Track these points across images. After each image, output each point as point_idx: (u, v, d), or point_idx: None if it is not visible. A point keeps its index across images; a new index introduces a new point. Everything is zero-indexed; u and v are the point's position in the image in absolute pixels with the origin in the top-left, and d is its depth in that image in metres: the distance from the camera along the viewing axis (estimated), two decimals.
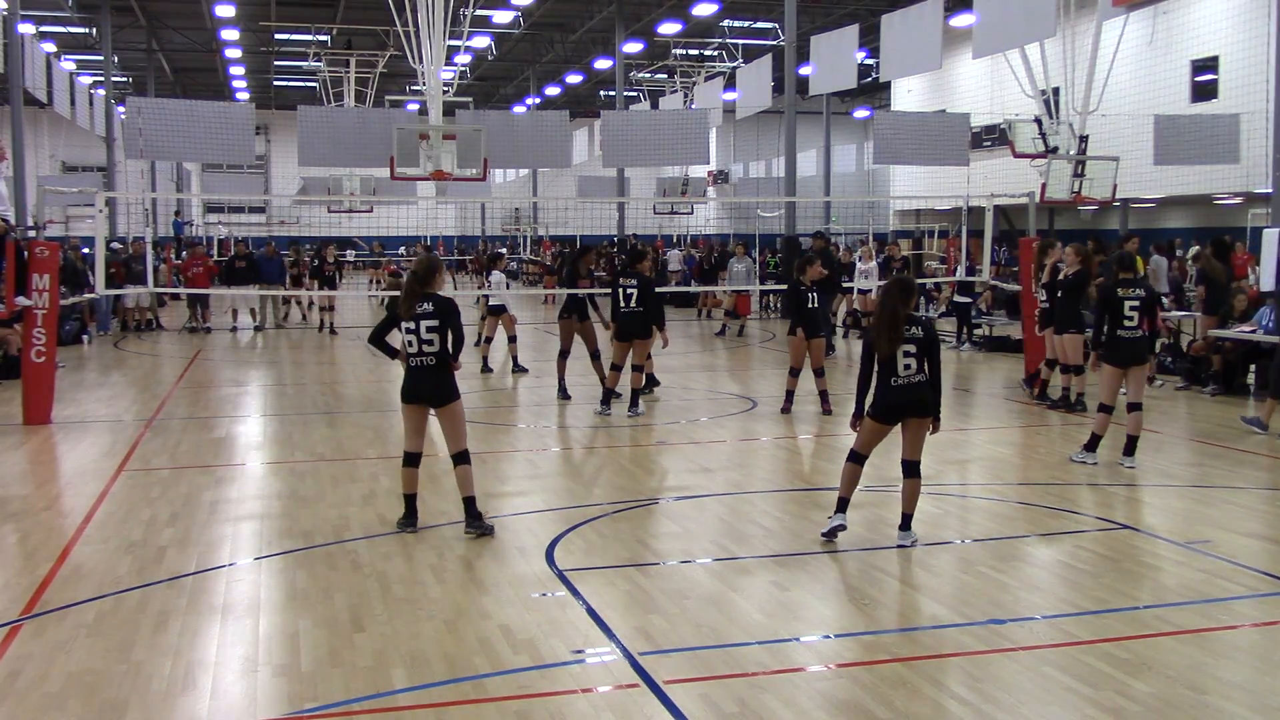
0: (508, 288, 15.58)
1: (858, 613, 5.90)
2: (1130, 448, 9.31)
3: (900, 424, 7.06)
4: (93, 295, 16.15)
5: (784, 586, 6.34)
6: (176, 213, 41.57)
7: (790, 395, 12.23)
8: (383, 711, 4.74)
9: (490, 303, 16.10)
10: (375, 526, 7.56)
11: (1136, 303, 9.18)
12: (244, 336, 21.65)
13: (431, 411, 7.35)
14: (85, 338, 19.79)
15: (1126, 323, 9.17)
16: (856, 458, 7.19)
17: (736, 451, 10.30)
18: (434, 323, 7.14)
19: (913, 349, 6.91)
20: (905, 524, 7.16)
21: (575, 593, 6.16)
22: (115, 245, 23.73)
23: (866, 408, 7.10)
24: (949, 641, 5.45)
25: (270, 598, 6.17)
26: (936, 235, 33.03)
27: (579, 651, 5.32)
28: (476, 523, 7.28)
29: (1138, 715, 4.63)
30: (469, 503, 7.31)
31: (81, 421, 11.80)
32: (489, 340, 16.20)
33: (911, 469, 7.13)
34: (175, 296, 24.91)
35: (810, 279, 11.98)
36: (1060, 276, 12.15)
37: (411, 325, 7.16)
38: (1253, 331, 13.18)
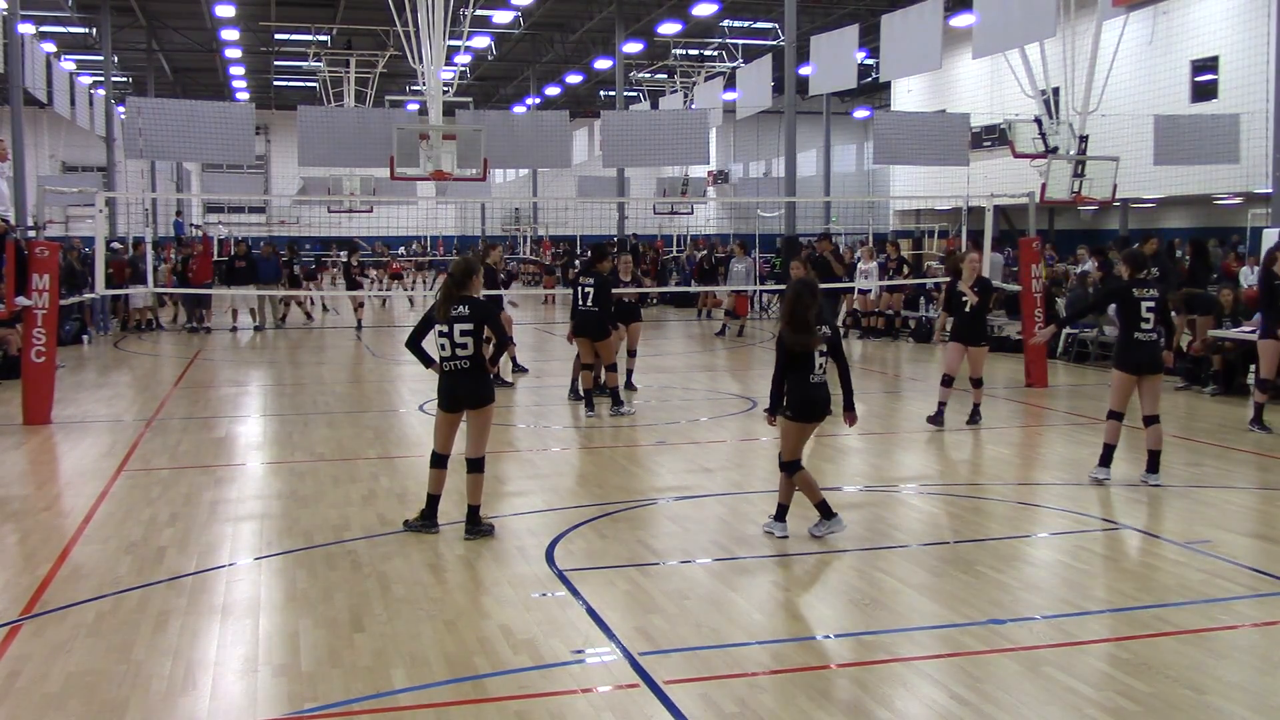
0: (507, 288, 15.61)
1: (858, 613, 5.90)
2: (1153, 464, 8.71)
3: (815, 425, 7.17)
4: (93, 295, 16.15)
5: (784, 586, 6.34)
6: (178, 213, 41.58)
7: None
8: (383, 711, 4.74)
9: None
10: (375, 526, 7.56)
11: (1153, 303, 8.63)
12: (244, 336, 21.65)
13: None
14: (85, 338, 19.79)
15: (1144, 324, 8.60)
16: (795, 466, 7.16)
17: (736, 451, 10.30)
18: (468, 326, 7.13)
19: (824, 347, 7.07)
20: (787, 512, 7.28)
21: (575, 593, 6.16)
22: (115, 245, 23.74)
23: (785, 408, 7.12)
24: (949, 641, 5.45)
25: (270, 598, 6.17)
26: (936, 235, 33.03)
27: (579, 651, 5.32)
28: (476, 528, 7.27)
29: (1138, 715, 4.63)
30: (473, 510, 7.29)
31: (81, 421, 11.80)
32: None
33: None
34: (173, 297, 24.97)
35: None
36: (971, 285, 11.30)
37: (445, 329, 7.14)
38: (1253, 331, 13.18)
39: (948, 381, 11.45)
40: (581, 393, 12.28)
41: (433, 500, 7.37)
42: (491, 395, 7.28)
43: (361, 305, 23.20)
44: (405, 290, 31.14)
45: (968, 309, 11.26)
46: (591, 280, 11.92)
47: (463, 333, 7.13)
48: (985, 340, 11.65)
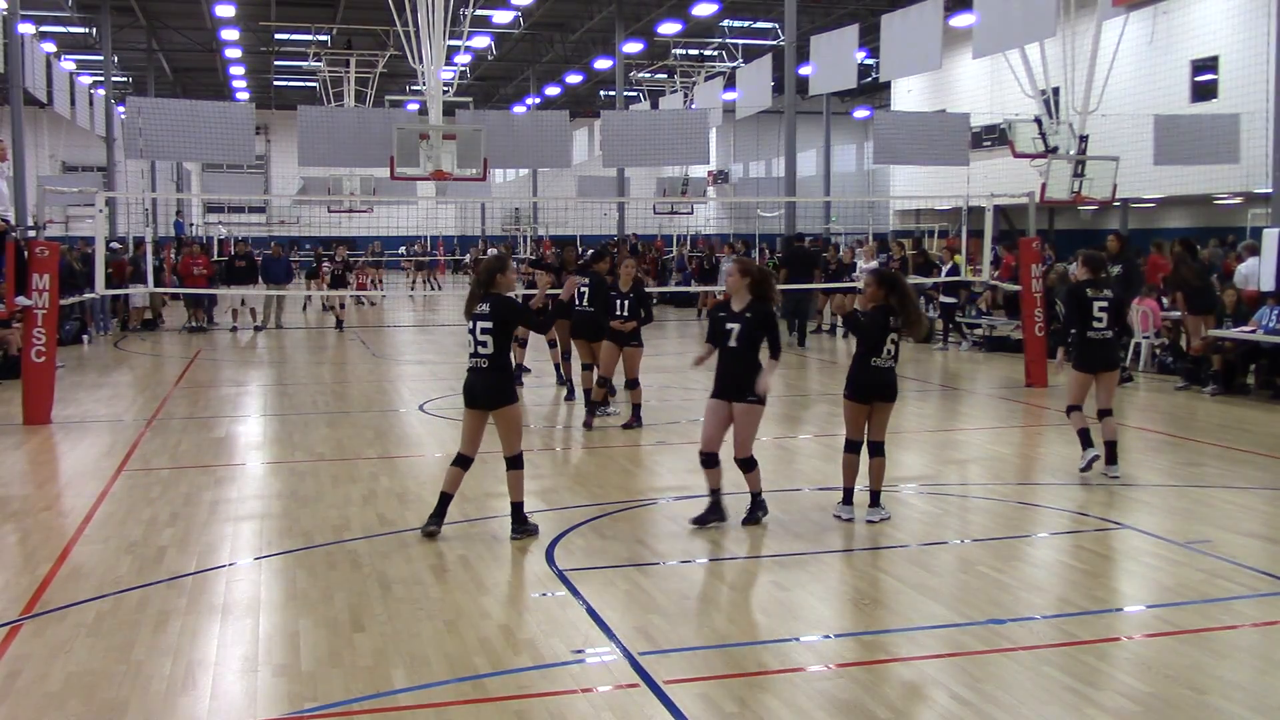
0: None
1: (858, 613, 5.90)
2: (1112, 455, 8.93)
3: (870, 405, 7.57)
4: (93, 295, 16.15)
5: (784, 586, 6.34)
6: (178, 213, 41.57)
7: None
8: (383, 711, 4.74)
9: None
10: (375, 526, 7.56)
11: (1105, 303, 8.93)
12: (244, 336, 21.65)
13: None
14: (85, 338, 19.79)
15: (1096, 324, 8.89)
16: (854, 447, 7.67)
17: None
18: (489, 324, 7.05)
19: (895, 335, 7.51)
20: (874, 500, 7.69)
21: (575, 593, 6.16)
22: (115, 245, 23.74)
23: (844, 389, 7.64)
24: (949, 641, 5.45)
25: (270, 598, 6.17)
26: (936, 235, 33.02)
27: (579, 651, 5.32)
28: (521, 527, 7.21)
29: (1138, 715, 4.63)
30: (516, 508, 7.24)
31: (81, 421, 11.80)
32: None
33: (878, 449, 7.66)
34: (175, 296, 25.02)
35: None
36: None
37: (470, 325, 7.13)
38: (1253, 331, 13.19)
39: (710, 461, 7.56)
40: (581, 394, 12.20)
41: (443, 498, 7.26)
42: (512, 397, 7.16)
43: (341, 305, 23.19)
44: (379, 292, 31.08)
45: (731, 341, 7.44)
46: (587, 281, 11.69)
47: (484, 330, 7.06)
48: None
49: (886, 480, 8.35)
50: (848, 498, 7.72)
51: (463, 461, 7.25)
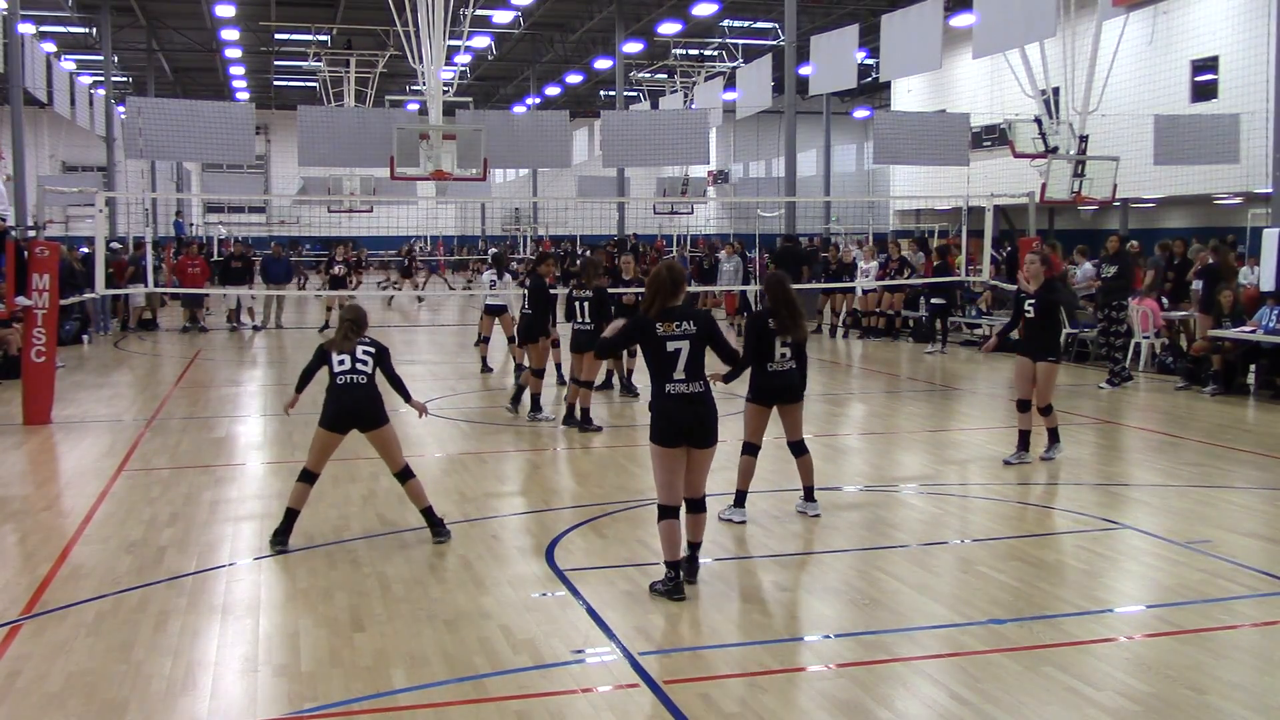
0: (494, 286, 15.64)
1: (858, 613, 5.90)
2: (1025, 443, 9.64)
3: (776, 408, 7.64)
4: (93, 295, 16.15)
5: (784, 586, 6.34)
6: (178, 213, 41.55)
7: None
8: (383, 711, 4.74)
9: (488, 303, 16.13)
10: (375, 526, 7.57)
11: (1034, 301, 9.78)
12: (246, 334, 21.63)
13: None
14: (85, 338, 19.78)
15: (1026, 314, 9.83)
16: (752, 449, 7.69)
17: (735, 452, 10.25)
18: (371, 350, 7.10)
19: (789, 339, 7.57)
20: (808, 496, 7.80)
21: (575, 593, 6.16)
22: (115, 245, 23.75)
23: (746, 393, 7.67)
24: (949, 641, 5.45)
25: (270, 598, 6.17)
26: (936, 235, 33.02)
27: (579, 651, 5.32)
28: (441, 529, 7.19)
29: (1138, 715, 4.63)
30: (428, 513, 7.20)
31: (81, 421, 11.80)
32: (486, 340, 16.22)
33: (800, 448, 7.78)
34: (174, 296, 25.01)
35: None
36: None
37: (345, 355, 7.03)
38: (1253, 331, 13.18)
39: None
40: (578, 413, 11.88)
41: (291, 514, 7.09)
42: (386, 414, 7.12)
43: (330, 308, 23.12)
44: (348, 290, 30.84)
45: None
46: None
47: (364, 353, 7.05)
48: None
49: (886, 480, 8.37)
50: (740, 500, 7.66)
51: (311, 478, 7.13)
